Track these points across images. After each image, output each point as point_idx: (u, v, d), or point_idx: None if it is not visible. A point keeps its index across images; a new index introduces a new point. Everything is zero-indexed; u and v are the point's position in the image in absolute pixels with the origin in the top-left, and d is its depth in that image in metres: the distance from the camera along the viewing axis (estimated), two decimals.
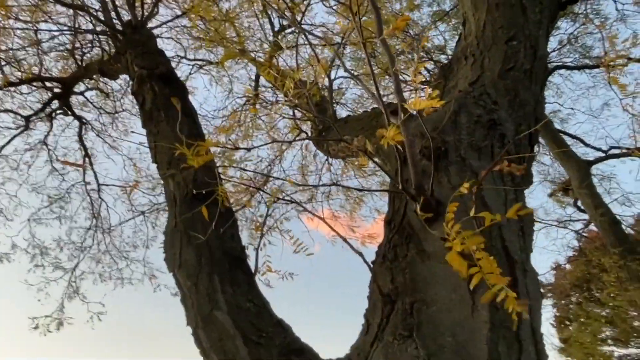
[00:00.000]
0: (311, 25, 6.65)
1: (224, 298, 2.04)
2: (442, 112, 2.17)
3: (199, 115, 6.24)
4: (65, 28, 5.34)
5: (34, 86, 6.04)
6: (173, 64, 6.38)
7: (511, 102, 2.29)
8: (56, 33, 5.26)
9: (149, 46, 3.23)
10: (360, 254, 1.83)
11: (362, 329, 1.95)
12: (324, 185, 5.16)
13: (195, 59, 7.13)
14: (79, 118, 6.18)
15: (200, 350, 2.03)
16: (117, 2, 4.37)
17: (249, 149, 2.01)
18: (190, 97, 7.11)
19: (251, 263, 2.42)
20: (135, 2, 3.94)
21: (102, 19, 4.24)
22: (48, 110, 6.29)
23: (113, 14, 3.99)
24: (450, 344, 1.62)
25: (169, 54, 6.84)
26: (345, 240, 1.84)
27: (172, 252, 2.25)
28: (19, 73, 5.73)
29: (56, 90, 5.96)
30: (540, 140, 9.40)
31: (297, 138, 5.52)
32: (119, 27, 3.80)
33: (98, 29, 5.11)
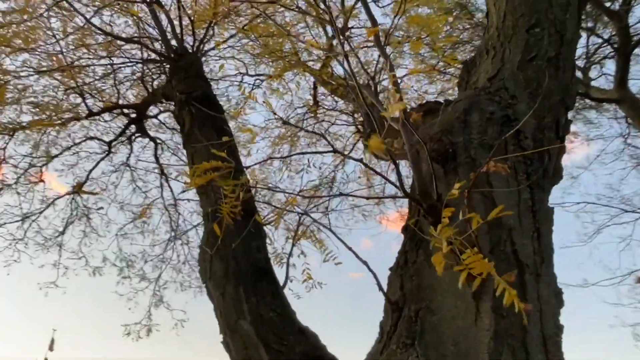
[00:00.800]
0: (364, 27, 6.66)
1: (249, 308, 2.16)
2: (452, 112, 2.11)
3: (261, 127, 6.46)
4: (134, 59, 5.85)
5: (114, 113, 6.68)
6: (236, 80, 6.73)
7: (532, 94, 2.16)
8: (121, 64, 5.78)
9: (190, 71, 3.47)
10: (365, 263, 1.84)
11: (378, 337, 1.96)
12: (332, 196, 5.13)
13: (256, 74, 7.43)
14: (153, 140, 6.71)
15: (229, 356, 2.17)
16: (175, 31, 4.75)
17: (252, 164, 2.10)
18: (253, 111, 7.40)
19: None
20: (183, 31, 4.23)
21: (162, 47, 4.63)
22: (128, 134, 6.93)
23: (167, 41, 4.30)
24: (452, 353, 1.58)
25: (231, 72, 7.22)
26: (349, 248, 1.87)
27: (204, 265, 2.41)
28: (100, 103, 6.39)
29: (132, 115, 6.55)
30: (630, 121, 8.53)
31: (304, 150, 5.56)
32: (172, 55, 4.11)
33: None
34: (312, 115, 7.43)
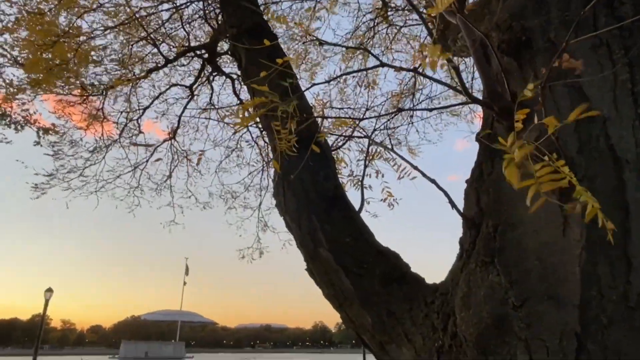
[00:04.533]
0: None
1: (324, 236, 2.15)
2: None
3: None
4: None
5: (189, 56, 6.80)
6: None
7: None
8: (180, 6, 5.73)
9: (237, 1, 3.32)
10: (433, 181, 1.70)
11: (458, 254, 1.85)
12: (387, 114, 4.70)
13: None
14: (229, 76, 6.78)
15: (314, 281, 2.22)
16: None
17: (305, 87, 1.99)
18: (320, 24, 7.09)
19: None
20: None
21: None
22: (206, 75, 7.08)
23: None
24: (536, 268, 1.43)
25: None
26: (415, 167, 1.72)
27: (278, 199, 2.43)
28: (175, 50, 6.52)
29: (205, 56, 6.61)
30: None
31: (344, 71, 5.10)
32: None
33: None
34: (383, 19, 6.92)
